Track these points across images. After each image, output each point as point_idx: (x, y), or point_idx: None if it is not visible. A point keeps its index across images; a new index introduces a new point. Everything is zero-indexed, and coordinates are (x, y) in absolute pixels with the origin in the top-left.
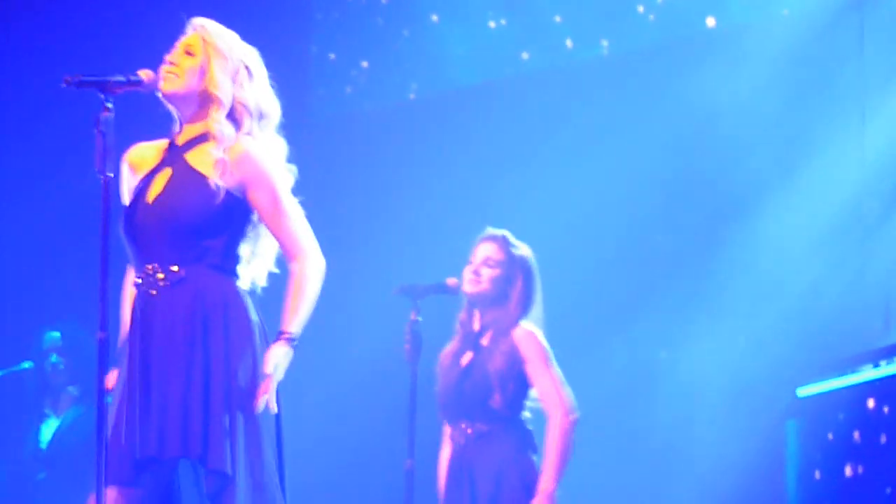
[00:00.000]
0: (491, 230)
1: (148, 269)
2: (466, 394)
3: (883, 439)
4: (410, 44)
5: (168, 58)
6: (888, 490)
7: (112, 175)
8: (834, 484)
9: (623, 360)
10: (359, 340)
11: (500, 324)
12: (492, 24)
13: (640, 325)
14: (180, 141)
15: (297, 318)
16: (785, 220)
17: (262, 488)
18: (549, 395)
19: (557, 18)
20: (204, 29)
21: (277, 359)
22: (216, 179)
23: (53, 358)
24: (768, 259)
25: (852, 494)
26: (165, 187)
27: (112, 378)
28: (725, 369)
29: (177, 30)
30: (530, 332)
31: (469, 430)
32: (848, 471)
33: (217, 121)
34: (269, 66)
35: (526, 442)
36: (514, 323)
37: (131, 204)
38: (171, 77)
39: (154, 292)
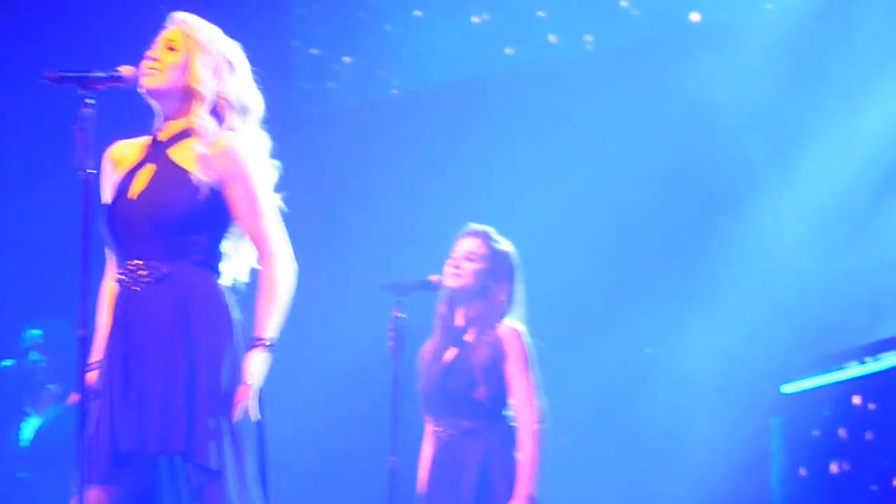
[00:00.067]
0: (473, 225)
1: (130, 265)
2: (450, 390)
3: (869, 436)
4: (393, 39)
5: (149, 53)
6: (874, 487)
7: (93, 172)
8: (819, 481)
9: (611, 356)
10: (342, 337)
11: (484, 319)
12: (475, 20)
13: (627, 320)
14: (163, 137)
15: (271, 323)
16: (774, 216)
17: (246, 485)
18: (521, 400)
19: (541, 14)
20: (185, 23)
21: (257, 367)
22: (199, 175)
23: (34, 356)
24: (757, 254)
25: (838, 492)
26: (149, 183)
27: (93, 376)
28: (713, 365)
29: (158, 24)
30: (516, 329)
31: (453, 427)
32: (834, 468)
33: (200, 116)
34: (250, 61)
35: (510, 439)
36: (499, 318)
37: (114, 200)
38: (153, 73)
39: (137, 289)
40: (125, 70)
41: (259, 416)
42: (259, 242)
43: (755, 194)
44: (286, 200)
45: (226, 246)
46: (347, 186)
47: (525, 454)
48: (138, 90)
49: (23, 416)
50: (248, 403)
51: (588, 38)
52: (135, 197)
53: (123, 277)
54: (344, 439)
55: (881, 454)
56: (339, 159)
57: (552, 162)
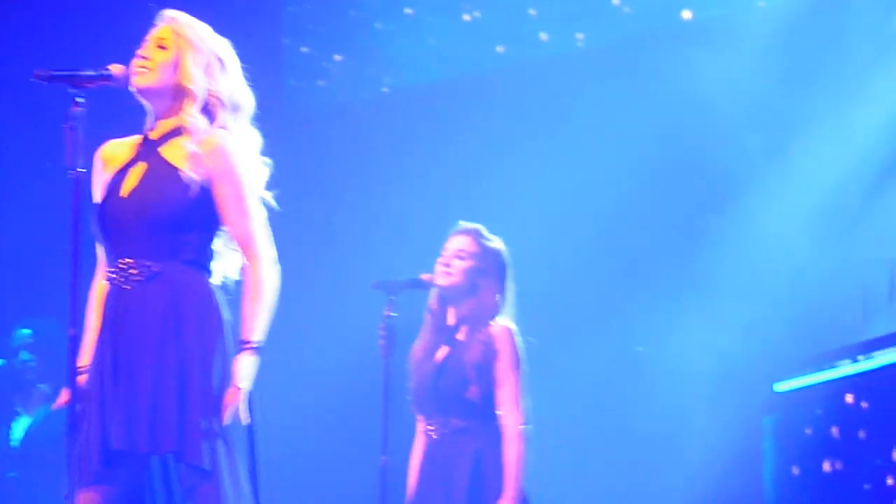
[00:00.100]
0: (464, 224)
1: (121, 264)
2: (442, 389)
3: (861, 435)
4: (384, 37)
5: (140, 52)
6: (867, 486)
7: (83, 171)
8: (812, 480)
9: (604, 354)
10: (333, 336)
11: (476, 317)
12: (466, 18)
13: (620, 318)
14: (154, 135)
15: (258, 325)
16: (767, 213)
17: (239, 485)
18: (506, 401)
19: (532, 12)
20: (175, 21)
21: (246, 370)
22: (190, 173)
23: (24, 355)
24: (750, 252)
25: (831, 490)
26: (140, 181)
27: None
28: (706, 363)
29: (148, 22)
30: (508, 329)
31: (444, 426)
32: (826, 466)
33: (191, 114)
34: (240, 59)
35: (501, 438)
36: (491, 316)
37: (105, 198)
38: (144, 72)
39: (128, 287)
40: (115, 69)
41: (249, 420)
42: (244, 242)
43: (748, 192)
44: (277, 198)
45: (217, 245)
46: (338, 185)
47: (510, 455)
48: (129, 89)
49: (13, 415)
50: (237, 407)
51: (579, 35)
52: (126, 195)
53: (114, 276)
54: (335, 438)
55: (874, 453)
56: (330, 157)
57: (544, 160)
